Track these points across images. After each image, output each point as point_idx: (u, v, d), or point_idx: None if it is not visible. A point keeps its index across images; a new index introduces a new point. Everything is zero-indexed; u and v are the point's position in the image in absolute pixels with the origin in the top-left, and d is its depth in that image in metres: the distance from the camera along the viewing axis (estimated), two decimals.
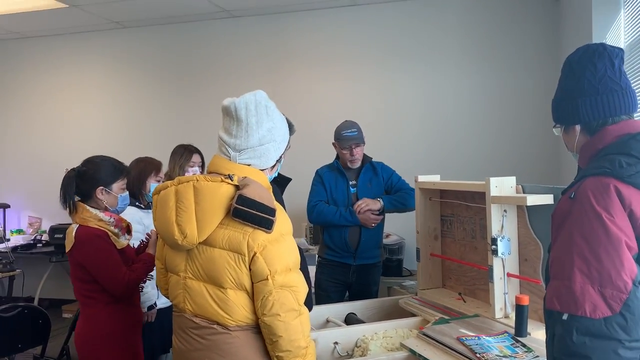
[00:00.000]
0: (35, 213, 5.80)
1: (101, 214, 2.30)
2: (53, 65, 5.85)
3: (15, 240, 5.41)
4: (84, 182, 2.30)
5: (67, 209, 2.29)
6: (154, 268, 2.26)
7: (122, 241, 2.35)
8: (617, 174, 1.26)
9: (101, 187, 2.30)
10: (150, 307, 2.82)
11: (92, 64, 5.71)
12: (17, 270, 4.56)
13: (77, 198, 2.32)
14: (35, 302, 5.07)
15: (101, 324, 2.28)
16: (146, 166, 2.94)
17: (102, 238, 2.26)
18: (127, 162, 2.98)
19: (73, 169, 2.33)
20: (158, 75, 5.49)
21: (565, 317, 1.25)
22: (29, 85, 5.96)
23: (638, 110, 1.41)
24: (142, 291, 2.62)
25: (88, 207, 2.30)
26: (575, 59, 1.44)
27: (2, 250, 5.07)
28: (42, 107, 5.91)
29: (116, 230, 2.33)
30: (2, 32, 5.70)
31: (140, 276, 2.30)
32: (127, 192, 2.42)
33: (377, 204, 3.12)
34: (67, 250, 2.29)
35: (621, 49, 1.42)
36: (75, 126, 5.78)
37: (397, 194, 3.22)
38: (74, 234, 2.26)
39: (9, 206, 5.86)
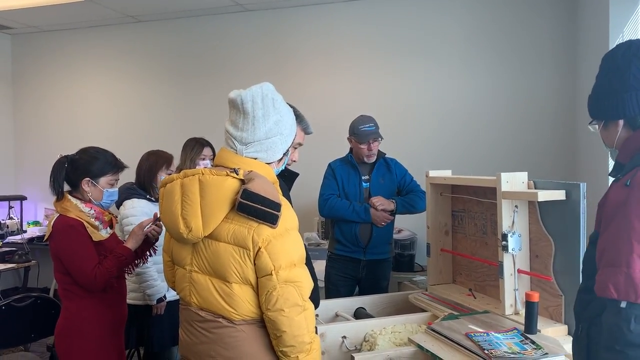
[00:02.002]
0: (51, 205, 5.86)
1: (81, 205, 2.27)
2: (69, 59, 5.90)
3: (32, 231, 5.49)
4: (73, 170, 2.29)
5: (55, 195, 2.29)
6: (130, 261, 2.29)
7: (102, 234, 2.30)
8: None
9: (87, 179, 2.28)
10: (160, 300, 2.84)
11: (107, 57, 5.75)
12: (33, 262, 4.62)
13: (67, 188, 2.32)
14: (50, 294, 5.14)
15: (76, 318, 2.25)
16: (157, 159, 2.95)
17: (76, 228, 2.21)
18: (139, 154, 3.02)
19: (65, 156, 2.32)
20: (172, 68, 5.51)
21: (623, 304, 1.24)
22: (45, 79, 6.03)
23: None
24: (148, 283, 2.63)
25: (70, 197, 2.28)
26: (619, 54, 1.44)
27: (18, 241, 5.15)
28: (58, 100, 5.98)
29: (96, 223, 2.29)
30: (19, 26, 5.76)
31: (110, 270, 2.21)
32: (116, 190, 2.37)
33: (390, 205, 3.12)
34: (45, 239, 2.31)
35: None
36: (91, 119, 5.83)
37: (408, 196, 3.21)
38: (52, 223, 2.26)
39: (25, 198, 5.94)
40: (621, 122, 1.43)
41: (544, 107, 4.34)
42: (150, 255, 2.50)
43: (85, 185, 2.28)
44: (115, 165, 2.34)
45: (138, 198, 2.87)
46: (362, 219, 3.11)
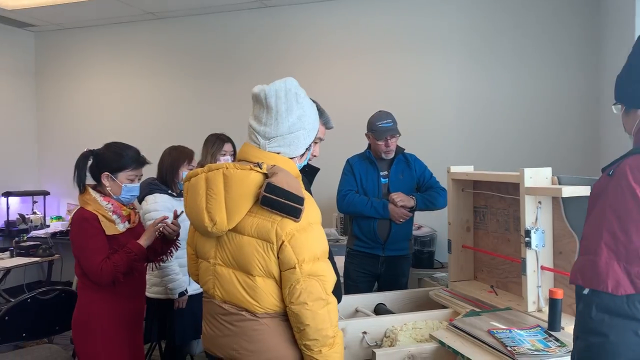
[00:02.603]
0: (74, 200, 5.95)
1: (100, 198, 2.30)
2: (90, 55, 5.98)
3: (55, 226, 5.59)
4: (95, 164, 2.34)
5: (77, 188, 2.34)
6: (140, 257, 2.29)
7: (119, 228, 2.32)
8: None
9: (107, 173, 2.31)
10: (182, 294, 2.87)
11: (127, 54, 5.82)
12: (56, 256, 4.70)
13: (93, 182, 2.37)
14: (73, 287, 5.21)
15: (86, 310, 2.30)
16: (179, 155, 2.98)
17: (89, 221, 2.24)
18: (161, 150, 3.05)
19: (90, 150, 2.37)
20: (192, 64, 5.55)
21: (586, 291, 1.23)
22: (68, 75, 6.12)
23: None
24: (171, 278, 2.65)
25: (91, 190, 2.32)
26: None
27: (42, 236, 5.24)
28: (80, 96, 6.06)
29: (113, 217, 2.31)
30: (42, 23, 5.85)
31: (117, 265, 2.22)
32: (136, 185, 2.38)
33: (410, 202, 3.09)
34: (66, 232, 2.35)
35: None
36: (112, 115, 5.90)
37: (428, 193, 3.18)
38: (72, 215, 2.31)
39: (48, 193, 6.05)
40: (633, 112, 1.37)
41: (567, 103, 4.28)
42: (172, 253, 2.54)
43: (105, 179, 2.32)
44: (134, 161, 2.35)
45: (160, 193, 2.89)
46: (380, 214, 3.10)
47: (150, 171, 3.00)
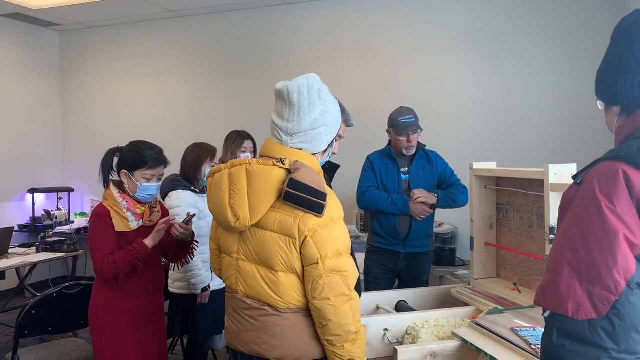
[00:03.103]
0: (97, 197, 6.05)
1: (117, 195, 2.35)
2: (114, 54, 6.06)
3: (79, 222, 5.68)
4: (118, 161, 2.40)
5: (102, 183, 2.41)
6: (145, 256, 2.30)
7: (132, 225, 2.35)
8: (631, 158, 1.07)
9: (125, 171, 2.36)
10: (204, 289, 2.89)
11: (150, 52, 5.88)
12: (80, 251, 4.78)
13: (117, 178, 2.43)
14: None
15: (95, 303, 2.40)
16: (201, 152, 3.00)
17: (101, 216, 2.30)
18: (183, 147, 3.07)
19: (117, 147, 2.43)
20: (214, 62, 5.58)
21: (547, 314, 1.12)
22: (92, 74, 6.21)
23: None
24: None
25: (112, 186, 2.38)
26: (624, 27, 1.21)
27: (67, 231, 5.33)
28: (104, 94, 6.14)
29: (127, 214, 2.34)
30: (66, 22, 5.94)
31: (118, 262, 2.25)
32: (154, 185, 2.39)
33: (432, 199, 3.08)
34: None
35: None
36: (135, 113, 5.97)
37: (449, 190, 3.16)
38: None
39: (73, 190, 6.15)
40: (617, 108, 1.24)
41: (594, 100, 4.18)
42: (192, 254, 2.57)
43: (123, 176, 2.38)
44: (151, 160, 2.36)
45: (183, 189, 2.92)
46: (401, 211, 3.08)
47: (172, 168, 3.04)
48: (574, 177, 1.20)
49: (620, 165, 1.07)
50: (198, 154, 2.98)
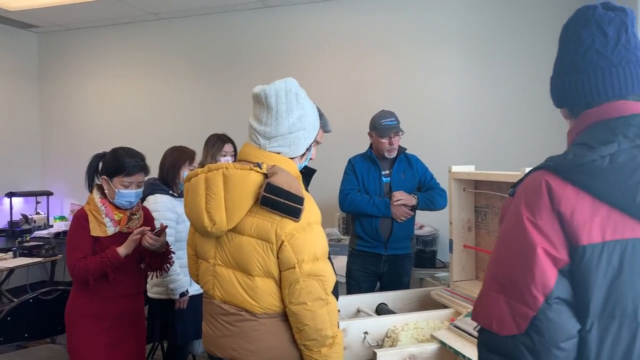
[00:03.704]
0: (77, 200, 5.98)
1: (98, 200, 2.37)
2: (93, 56, 5.99)
3: (58, 226, 5.60)
4: (101, 167, 2.42)
5: (87, 187, 2.44)
6: (115, 264, 2.29)
7: (109, 231, 2.35)
8: (556, 167, 1.03)
9: (104, 176, 2.38)
10: (182, 294, 2.87)
11: (130, 54, 5.83)
12: (59, 256, 4.71)
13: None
14: None
15: (70, 305, 2.41)
16: (180, 155, 2.98)
17: (79, 219, 2.34)
18: (162, 151, 3.05)
19: (102, 153, 2.46)
20: (194, 65, 5.55)
21: (478, 328, 1.08)
22: (71, 76, 6.13)
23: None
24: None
25: (95, 190, 2.41)
26: (564, 27, 1.17)
27: (45, 236, 5.25)
28: (83, 96, 6.07)
29: (104, 220, 2.35)
30: (45, 24, 5.87)
31: (88, 267, 2.26)
32: (132, 192, 2.39)
33: (412, 201, 3.11)
34: None
35: (623, 10, 1.10)
36: (116, 115, 5.92)
37: (429, 192, 3.20)
38: None
39: (52, 194, 6.07)
40: (564, 110, 1.20)
41: None
42: (169, 264, 2.56)
43: (103, 182, 2.39)
44: (129, 167, 2.36)
45: (161, 193, 2.90)
46: (382, 213, 3.11)
47: (153, 172, 3.02)
48: (512, 187, 1.15)
49: (545, 176, 1.04)
50: (176, 158, 2.97)
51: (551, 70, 1.21)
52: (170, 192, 2.94)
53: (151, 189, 2.93)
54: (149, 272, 2.56)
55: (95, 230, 2.33)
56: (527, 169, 2.03)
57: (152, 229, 2.48)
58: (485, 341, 1.05)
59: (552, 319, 0.97)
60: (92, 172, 2.43)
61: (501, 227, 1.10)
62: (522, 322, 0.99)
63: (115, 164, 2.36)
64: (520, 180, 1.12)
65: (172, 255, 2.59)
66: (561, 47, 1.18)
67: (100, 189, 2.41)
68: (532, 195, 1.03)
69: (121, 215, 2.41)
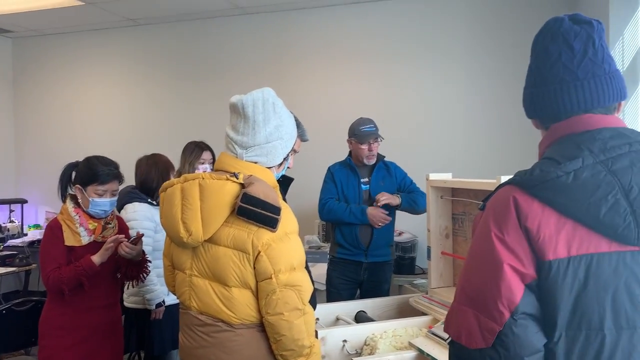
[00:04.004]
0: (52, 208, 5.87)
1: (71, 209, 2.35)
2: (69, 62, 5.91)
3: (32, 235, 5.48)
4: (75, 176, 2.39)
5: (60, 197, 2.41)
6: (91, 273, 2.26)
7: (84, 240, 2.33)
8: (523, 183, 1.04)
9: (78, 185, 2.35)
10: (159, 305, 2.84)
11: (107, 61, 5.76)
12: (33, 265, 4.62)
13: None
14: None
15: (44, 316, 2.37)
16: (157, 163, 2.95)
17: (53, 229, 2.32)
18: (137, 158, 3.02)
19: (75, 162, 2.42)
20: (172, 72, 5.51)
21: (449, 340, 1.11)
22: (46, 82, 6.04)
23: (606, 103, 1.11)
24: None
25: (68, 200, 2.38)
26: (534, 39, 1.18)
27: (19, 245, 5.15)
28: (59, 103, 5.98)
29: (79, 229, 2.33)
30: (20, 29, 5.77)
31: (62, 277, 2.24)
32: (106, 200, 2.36)
33: (396, 200, 3.14)
34: None
35: (590, 24, 1.11)
36: (92, 122, 5.83)
37: (411, 194, 3.23)
38: None
39: (26, 201, 5.95)
40: (535, 121, 1.21)
41: None
42: (145, 273, 2.53)
43: (77, 191, 2.37)
44: (103, 176, 2.34)
45: (139, 202, 2.87)
46: (360, 220, 3.13)
47: (130, 179, 2.99)
48: (482, 201, 1.16)
49: (512, 192, 1.05)
50: (152, 164, 2.94)
51: (522, 80, 1.23)
52: (149, 200, 2.91)
53: (129, 197, 2.90)
54: (125, 282, 2.53)
55: (69, 240, 2.30)
56: (503, 177, 2.08)
57: (127, 237, 2.45)
58: (455, 353, 1.07)
59: (517, 333, 0.98)
60: (65, 181, 2.40)
61: (471, 242, 1.12)
62: (489, 337, 1.00)
63: (88, 172, 2.34)
64: (491, 195, 1.13)
65: (149, 264, 2.56)
66: (531, 58, 1.19)
67: (74, 198, 2.38)
68: (500, 211, 1.04)
69: (96, 224, 2.39)
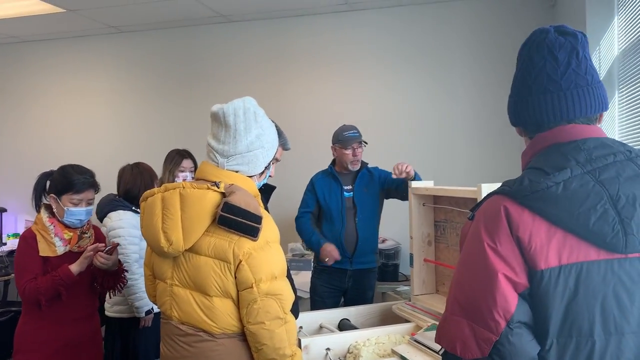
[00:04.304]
0: (32, 217, 5.76)
1: (46, 219, 2.31)
2: (50, 69, 5.85)
3: (12, 244, 5.39)
4: (49, 185, 2.35)
5: (34, 207, 2.36)
6: (68, 283, 2.22)
7: (59, 250, 2.29)
8: (513, 193, 1.05)
9: (52, 195, 2.31)
10: (148, 312, 2.81)
11: (89, 68, 5.71)
12: (12, 275, 4.54)
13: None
14: None
15: (19, 328, 2.31)
16: (142, 172, 2.94)
17: (27, 240, 2.27)
18: (118, 167, 2.99)
19: (49, 171, 2.38)
20: (155, 79, 5.48)
21: (442, 351, 1.11)
22: (27, 89, 5.96)
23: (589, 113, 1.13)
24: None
25: (43, 210, 2.34)
26: (520, 48, 1.21)
27: None
28: (40, 110, 5.91)
29: (54, 239, 2.29)
30: (0, 36, 5.70)
31: (39, 287, 2.19)
32: (82, 210, 2.33)
33: (411, 171, 2.83)
34: None
35: (574, 36, 1.13)
36: (73, 130, 5.77)
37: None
38: None
39: (5, 210, 5.85)
40: (519, 129, 1.23)
41: None
42: (122, 283, 2.49)
43: (52, 201, 2.33)
44: (79, 184, 2.30)
45: (124, 210, 2.84)
46: (314, 249, 3.20)
47: (110, 188, 2.96)
48: (470, 210, 1.17)
49: (503, 201, 1.06)
50: (137, 174, 2.92)
51: (507, 88, 1.25)
52: (134, 208, 2.89)
53: (113, 205, 2.87)
54: (103, 291, 2.48)
55: (44, 251, 2.25)
56: (484, 185, 2.10)
57: (105, 247, 2.42)
58: None
59: (513, 342, 1.00)
60: (40, 191, 2.35)
61: (462, 251, 1.12)
62: (485, 347, 1.01)
63: (63, 181, 2.30)
64: (479, 204, 1.14)
65: (126, 273, 2.52)
66: (517, 67, 1.21)
67: (49, 208, 2.34)
68: (491, 221, 1.05)
69: (71, 234, 2.35)
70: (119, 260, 2.44)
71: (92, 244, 2.37)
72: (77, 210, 2.32)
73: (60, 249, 2.30)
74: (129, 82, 5.56)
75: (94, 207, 2.44)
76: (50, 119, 5.86)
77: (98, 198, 2.94)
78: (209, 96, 5.16)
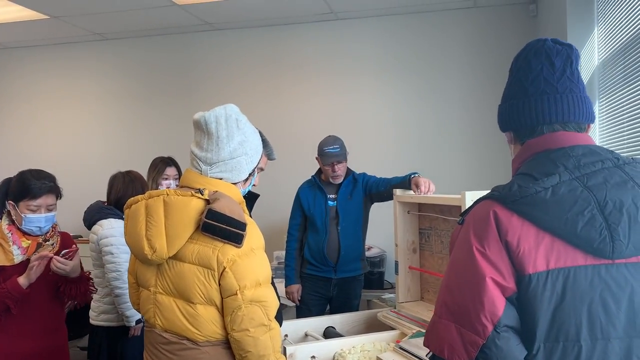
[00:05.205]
0: None
1: (5, 226, 2.22)
2: (36, 75, 5.79)
3: None
4: (7, 191, 2.25)
5: None
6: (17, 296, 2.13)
7: (17, 259, 2.19)
8: (503, 198, 1.07)
9: (10, 201, 2.23)
10: (138, 321, 2.77)
11: (73, 75, 5.66)
12: None
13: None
14: None
15: None
16: (133, 180, 2.91)
17: None
18: (108, 174, 2.96)
19: (8, 178, 2.29)
20: (140, 86, 5.46)
21: (429, 355, 1.11)
22: (10, 96, 5.90)
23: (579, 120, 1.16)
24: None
25: (4, 218, 2.24)
26: (515, 58, 1.25)
27: None
28: (21, 118, 5.84)
29: (12, 247, 2.19)
30: None
31: None
32: (41, 216, 2.24)
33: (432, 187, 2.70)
34: None
35: (570, 46, 1.19)
36: (56, 137, 5.71)
37: (392, 178, 3.06)
38: None
39: None
40: (509, 135, 1.24)
41: None
42: (90, 291, 2.43)
43: (10, 207, 2.24)
44: (35, 190, 2.20)
45: (115, 218, 2.80)
46: (288, 283, 3.30)
47: (100, 195, 2.93)
48: (460, 215, 1.18)
49: (492, 206, 1.07)
50: (128, 182, 2.90)
51: (492, 96, 1.28)
52: (123, 215, 2.84)
53: (103, 213, 2.82)
54: (67, 300, 2.38)
55: (3, 259, 2.15)
56: (467, 193, 2.12)
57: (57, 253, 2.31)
58: None
59: (500, 346, 1.01)
60: (1, 197, 2.24)
61: (451, 256, 1.13)
62: (472, 350, 1.02)
63: (20, 187, 2.20)
64: (469, 209, 1.15)
65: (92, 280, 2.43)
66: (511, 75, 1.25)
67: (10, 215, 2.25)
68: (480, 225, 1.07)
69: (29, 242, 2.24)
70: (81, 267, 2.34)
71: (56, 253, 2.26)
72: (35, 217, 2.21)
73: (18, 257, 2.19)
74: (114, 89, 5.53)
75: (55, 213, 2.32)
76: (31, 127, 5.80)
77: (83, 204, 2.92)
78: (194, 104, 5.14)
